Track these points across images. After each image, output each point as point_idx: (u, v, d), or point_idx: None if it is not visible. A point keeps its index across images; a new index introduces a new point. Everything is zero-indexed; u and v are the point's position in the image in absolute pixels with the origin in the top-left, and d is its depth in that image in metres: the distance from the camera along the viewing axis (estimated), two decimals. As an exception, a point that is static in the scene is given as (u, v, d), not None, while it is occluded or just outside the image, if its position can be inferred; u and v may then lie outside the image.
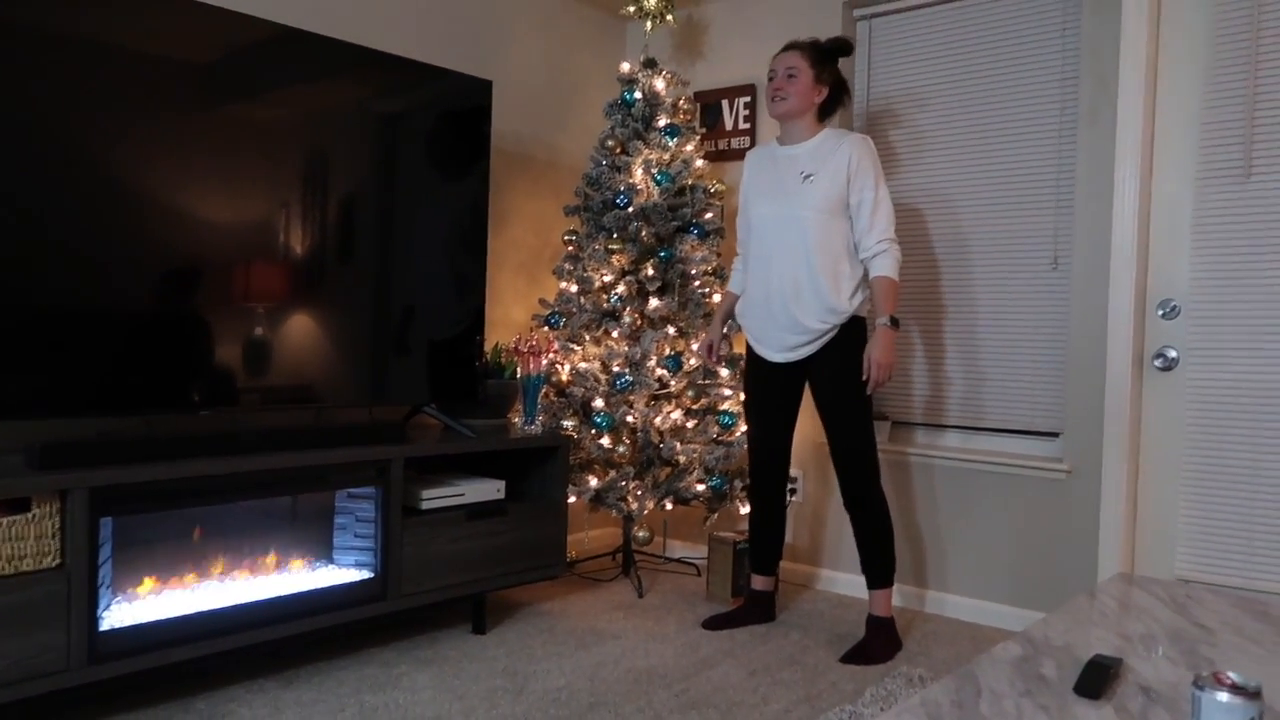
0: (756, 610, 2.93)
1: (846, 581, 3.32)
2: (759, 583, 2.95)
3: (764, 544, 2.91)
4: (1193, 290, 2.71)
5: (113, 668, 1.99)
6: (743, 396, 2.93)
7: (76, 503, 1.94)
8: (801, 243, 2.64)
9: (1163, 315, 2.76)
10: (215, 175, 2.31)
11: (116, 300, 2.16)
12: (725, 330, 2.99)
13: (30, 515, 1.89)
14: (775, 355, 2.74)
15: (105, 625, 2.02)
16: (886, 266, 2.63)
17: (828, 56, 2.72)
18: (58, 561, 1.93)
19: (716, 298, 3.27)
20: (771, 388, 2.80)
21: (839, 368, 2.67)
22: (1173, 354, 2.74)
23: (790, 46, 2.72)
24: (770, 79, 2.73)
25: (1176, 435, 2.74)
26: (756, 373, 2.82)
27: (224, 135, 2.32)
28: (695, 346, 3.22)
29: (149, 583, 2.27)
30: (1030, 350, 3.03)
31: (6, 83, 1.98)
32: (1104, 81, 2.82)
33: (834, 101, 2.76)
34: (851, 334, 2.67)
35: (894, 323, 2.62)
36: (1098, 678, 1.28)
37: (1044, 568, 2.95)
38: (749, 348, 2.84)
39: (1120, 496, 2.78)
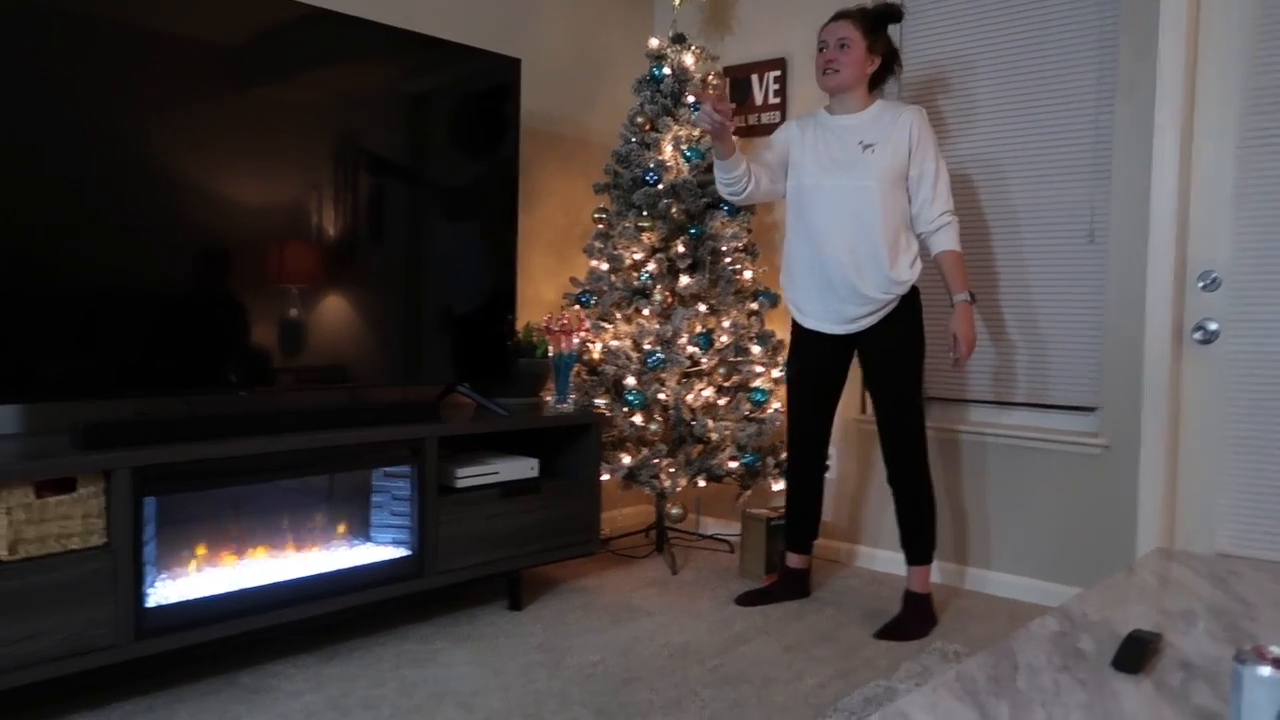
0: (790, 587, 2.93)
1: (883, 558, 3.31)
2: (794, 560, 2.95)
3: (801, 522, 2.90)
4: (1235, 261, 2.65)
5: (159, 643, 2.04)
6: (785, 373, 2.87)
7: (120, 482, 1.98)
8: (865, 213, 2.58)
9: (1203, 287, 2.71)
10: (247, 157, 2.33)
11: (155, 283, 2.20)
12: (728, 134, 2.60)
13: (76, 494, 1.94)
14: (832, 328, 2.69)
15: (151, 602, 2.07)
16: (952, 240, 2.61)
17: (879, 24, 2.65)
18: (104, 540, 1.98)
19: (748, 274, 3.26)
20: (820, 363, 2.76)
21: (896, 339, 2.64)
22: (1213, 326, 2.69)
23: (840, 15, 2.65)
24: (820, 50, 2.65)
25: (1217, 409, 2.70)
26: (805, 348, 2.78)
27: (255, 117, 2.33)
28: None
29: (192, 560, 2.32)
30: (1066, 324, 2.99)
31: (43, 69, 2.01)
32: (1143, 49, 2.76)
33: (885, 71, 2.70)
34: (910, 305, 2.65)
35: (972, 297, 2.63)
36: (1137, 652, 1.27)
37: (1081, 544, 2.92)
38: (795, 324, 2.80)
39: (1159, 471, 2.74)
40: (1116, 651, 1.29)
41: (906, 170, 2.61)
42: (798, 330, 2.79)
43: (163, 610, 2.07)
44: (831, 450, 3.40)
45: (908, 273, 2.61)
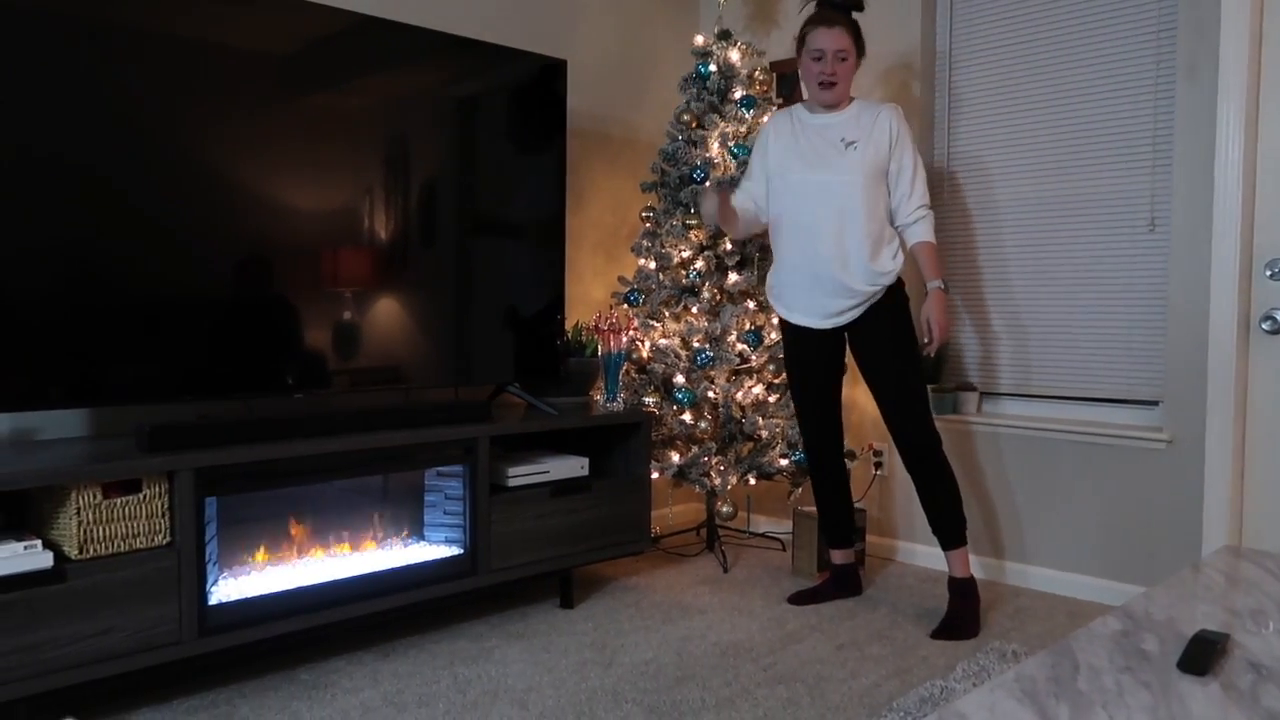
0: (841, 584, 2.91)
1: (925, 554, 3.26)
2: (838, 556, 2.94)
3: (834, 516, 2.90)
4: (1304, 248, 2.56)
5: (221, 640, 2.09)
6: (786, 373, 2.88)
7: (183, 483, 2.03)
8: (850, 209, 2.62)
9: (1271, 276, 2.62)
10: (301, 165, 2.37)
11: (215, 290, 2.25)
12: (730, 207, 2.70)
13: (141, 495, 1.99)
14: (820, 322, 2.71)
15: (213, 599, 2.12)
16: (928, 232, 2.68)
17: (856, 23, 2.67)
18: (168, 539, 2.03)
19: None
20: (816, 358, 2.77)
21: (889, 329, 2.67)
22: (1282, 316, 2.60)
23: (832, 22, 2.60)
24: (817, 58, 2.62)
25: (1287, 401, 2.61)
26: (797, 346, 2.79)
27: (308, 125, 2.38)
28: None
29: (252, 559, 2.37)
30: (1127, 316, 2.92)
31: (103, 83, 2.07)
32: (1203, 31, 2.68)
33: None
34: (896, 296, 2.69)
35: (945, 286, 2.69)
36: (1203, 654, 1.24)
37: (1144, 541, 2.85)
38: (785, 323, 2.80)
39: (1226, 467, 2.66)
40: (1182, 652, 1.26)
41: (887, 166, 2.66)
42: (787, 329, 2.80)
43: (225, 608, 2.12)
44: (882, 447, 3.37)
45: (890, 264, 2.65)
